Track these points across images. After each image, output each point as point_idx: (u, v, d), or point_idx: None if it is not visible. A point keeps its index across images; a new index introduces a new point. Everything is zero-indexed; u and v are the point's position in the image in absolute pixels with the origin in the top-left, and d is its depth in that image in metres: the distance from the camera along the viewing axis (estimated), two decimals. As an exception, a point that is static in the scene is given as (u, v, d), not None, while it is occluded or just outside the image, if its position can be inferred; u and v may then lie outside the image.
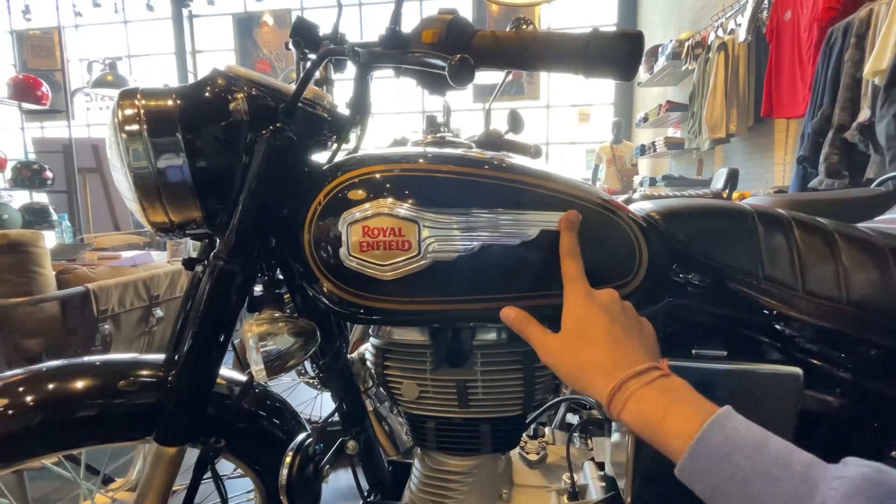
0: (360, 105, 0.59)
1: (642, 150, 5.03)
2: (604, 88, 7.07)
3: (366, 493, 0.78)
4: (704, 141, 3.53)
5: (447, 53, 0.45)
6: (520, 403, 0.64)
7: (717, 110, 3.30)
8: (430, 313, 0.54)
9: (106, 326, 1.53)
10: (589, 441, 0.83)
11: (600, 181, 5.77)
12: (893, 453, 0.52)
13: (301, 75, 0.55)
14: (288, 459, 0.63)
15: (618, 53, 0.42)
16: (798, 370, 0.50)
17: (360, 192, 0.50)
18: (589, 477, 0.72)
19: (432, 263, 0.48)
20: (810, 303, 0.52)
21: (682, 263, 0.57)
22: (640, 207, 0.63)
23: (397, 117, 7.08)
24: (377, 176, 0.51)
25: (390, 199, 0.49)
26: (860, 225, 0.63)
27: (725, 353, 0.54)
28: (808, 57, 2.39)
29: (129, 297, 1.63)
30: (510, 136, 1.85)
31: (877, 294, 0.49)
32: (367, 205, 0.49)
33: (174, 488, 0.76)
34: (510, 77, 1.13)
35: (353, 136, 0.65)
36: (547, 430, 0.87)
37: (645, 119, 5.10)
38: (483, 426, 0.64)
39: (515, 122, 2.00)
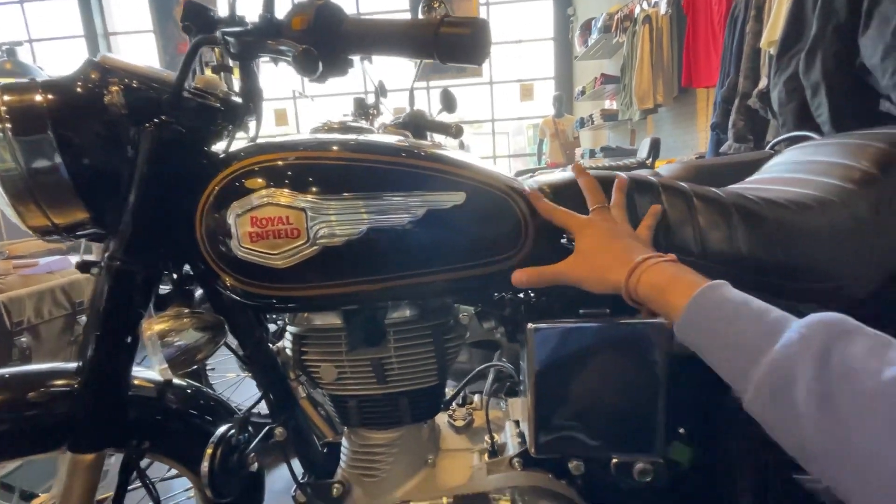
0: (250, 92, 0.59)
1: (582, 123, 5.18)
2: (544, 63, 7.16)
3: (301, 477, 0.80)
4: (635, 112, 3.69)
5: (316, 39, 0.45)
6: (434, 374, 0.68)
7: (645, 82, 3.46)
8: (331, 297, 0.56)
9: (23, 339, 1.44)
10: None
11: (545, 155, 5.91)
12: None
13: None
14: (209, 451, 0.63)
15: (465, 40, 0.45)
16: (664, 320, 0.57)
17: (246, 182, 0.51)
18: (508, 435, 0.77)
19: (322, 249, 0.50)
20: (679, 259, 0.58)
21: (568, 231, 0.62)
22: (534, 181, 0.67)
23: (337, 99, 6.87)
24: (264, 166, 0.52)
25: (276, 189, 0.50)
26: (737, 187, 0.71)
27: (608, 310, 0.60)
28: (719, 28, 2.54)
29: (47, 307, 1.53)
30: (443, 116, 1.86)
31: (725, 248, 0.56)
32: (253, 195, 0.50)
33: (103, 496, 0.75)
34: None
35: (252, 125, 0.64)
36: (476, 397, 0.92)
37: (583, 92, 5.24)
38: (402, 399, 0.68)
39: (449, 102, 2.00)
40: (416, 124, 1.45)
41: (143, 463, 0.86)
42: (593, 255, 0.53)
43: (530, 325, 0.59)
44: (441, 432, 0.81)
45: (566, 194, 0.63)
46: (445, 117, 1.87)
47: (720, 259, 0.56)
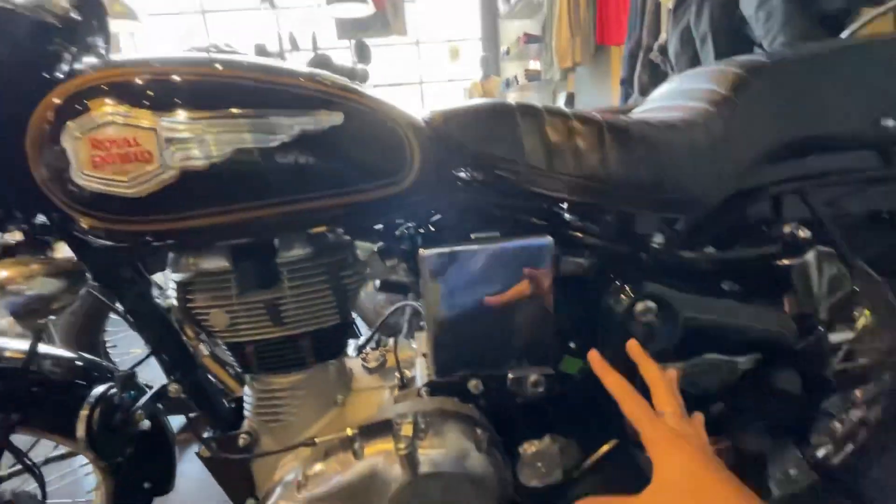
0: (87, 5, 0.51)
1: (508, 84, 5.20)
2: (471, 23, 7.04)
3: (207, 435, 0.77)
4: (556, 71, 3.76)
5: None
6: (335, 313, 0.67)
7: (564, 40, 3.51)
8: (209, 230, 0.52)
9: None
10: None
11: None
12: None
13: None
14: (84, 413, 0.59)
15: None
16: (549, 239, 0.60)
17: (87, 101, 0.45)
18: (418, 370, 0.79)
19: (183, 174, 0.46)
20: (559, 181, 0.60)
21: (460, 159, 0.62)
22: (426, 112, 0.66)
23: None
24: (106, 82, 0.46)
25: (120, 106, 0.44)
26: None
27: (498, 234, 0.62)
28: (628, -15, 2.62)
29: None
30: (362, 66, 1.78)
31: (600, 169, 0.59)
32: (93, 114, 0.44)
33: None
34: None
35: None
36: (392, 340, 0.93)
37: (508, 52, 5.24)
38: (302, 341, 0.66)
39: (362, 53, 1.91)
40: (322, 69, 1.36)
41: (26, 441, 0.79)
42: (693, 496, 0.35)
43: (421, 252, 0.59)
44: (353, 374, 0.81)
45: (456, 122, 0.62)
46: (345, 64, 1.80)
47: (596, 178, 0.59)
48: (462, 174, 0.62)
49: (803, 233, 0.59)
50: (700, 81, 0.69)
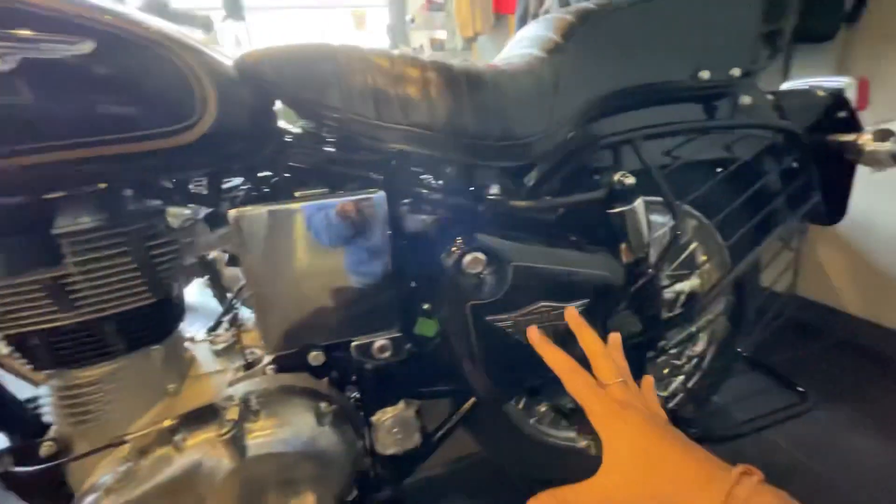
0: None
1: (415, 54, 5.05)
2: (376, -11, 6.71)
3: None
4: (459, 40, 3.71)
5: None
6: (145, 291, 0.57)
7: (465, 9, 3.46)
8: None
9: None
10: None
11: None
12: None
13: None
14: None
15: None
16: (380, 193, 0.56)
17: None
18: (266, 345, 0.72)
19: None
20: (393, 131, 0.55)
21: (273, 108, 0.55)
22: (238, 53, 0.57)
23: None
24: None
25: None
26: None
27: (326, 190, 0.56)
28: (520, -48, 2.62)
29: None
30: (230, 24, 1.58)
31: (433, 115, 0.55)
32: None
33: None
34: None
35: None
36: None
37: (413, 21, 5.07)
38: (105, 326, 0.56)
39: (234, 5, 1.71)
40: (153, 11, 1.18)
41: None
42: (642, 483, 0.34)
43: (230, 213, 0.52)
44: (196, 359, 0.72)
45: (271, 64, 0.54)
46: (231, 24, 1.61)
47: (424, 127, 0.55)
48: (282, 124, 0.55)
49: (629, 180, 0.60)
50: (543, 28, 0.67)
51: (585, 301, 0.57)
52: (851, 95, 0.83)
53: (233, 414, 0.54)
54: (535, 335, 0.45)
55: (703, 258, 0.88)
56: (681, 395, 0.94)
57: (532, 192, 0.63)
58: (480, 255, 0.52)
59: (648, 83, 0.64)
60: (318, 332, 0.59)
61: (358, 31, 6.77)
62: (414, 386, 0.69)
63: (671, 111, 0.71)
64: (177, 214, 0.60)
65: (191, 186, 0.62)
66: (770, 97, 0.80)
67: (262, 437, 0.55)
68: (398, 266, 0.61)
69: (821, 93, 0.85)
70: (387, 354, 0.61)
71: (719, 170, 0.77)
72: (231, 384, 0.62)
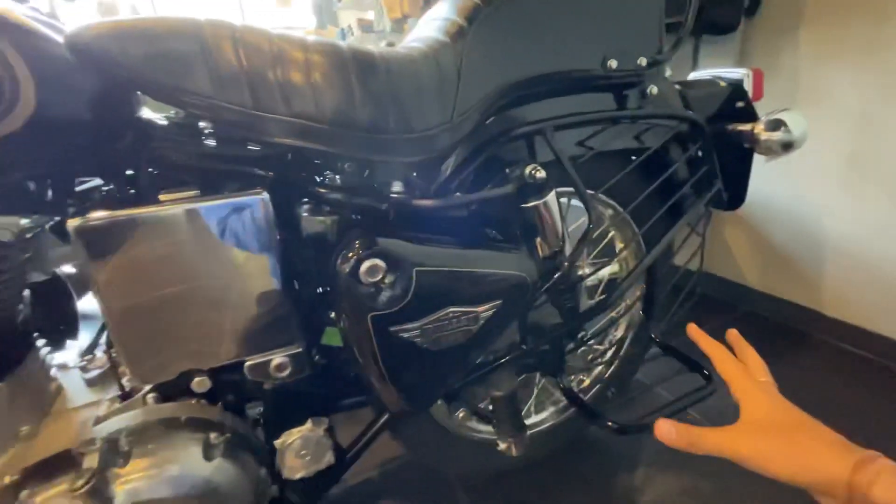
0: None
1: (343, 35, 4.83)
2: (300, -37, 6.30)
3: None
4: (387, 22, 3.58)
5: None
6: (-29, 318, 0.47)
7: (392, -12, 3.33)
8: None
9: None
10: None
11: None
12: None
13: None
14: None
15: None
16: (262, 195, 0.49)
17: None
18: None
19: None
20: (273, 122, 0.48)
21: (125, 93, 0.46)
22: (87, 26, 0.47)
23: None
24: None
25: None
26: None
27: (198, 191, 0.48)
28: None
29: None
30: None
31: (342, 106, 0.48)
32: None
33: None
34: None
35: None
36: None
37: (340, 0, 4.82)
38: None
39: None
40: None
41: None
42: (784, 431, 0.37)
43: (69, 223, 0.43)
44: (64, 389, 0.62)
45: (116, 42, 0.45)
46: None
47: (338, 122, 0.48)
48: (146, 113, 0.46)
49: (540, 174, 0.58)
50: (447, 10, 0.62)
51: (497, 303, 0.54)
52: (748, 86, 0.87)
53: (91, 461, 0.45)
54: (693, 329, 0.48)
55: (621, 245, 0.90)
56: (602, 381, 0.96)
57: (440, 188, 0.59)
58: (379, 262, 0.47)
59: (558, 71, 0.62)
60: (198, 358, 0.51)
61: (281, 7, 6.35)
62: (326, 400, 0.63)
63: (584, 100, 0.70)
64: (7, 225, 0.49)
65: (32, 189, 0.51)
66: (677, 87, 0.82)
67: (135, 482, 0.47)
68: (298, 273, 0.55)
69: (722, 83, 0.88)
70: (286, 373, 0.55)
71: (633, 157, 0.78)
72: (98, 421, 0.53)
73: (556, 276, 0.64)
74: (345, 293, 0.48)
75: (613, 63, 0.65)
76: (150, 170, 0.48)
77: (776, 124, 0.78)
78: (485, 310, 0.54)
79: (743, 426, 0.38)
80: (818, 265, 1.45)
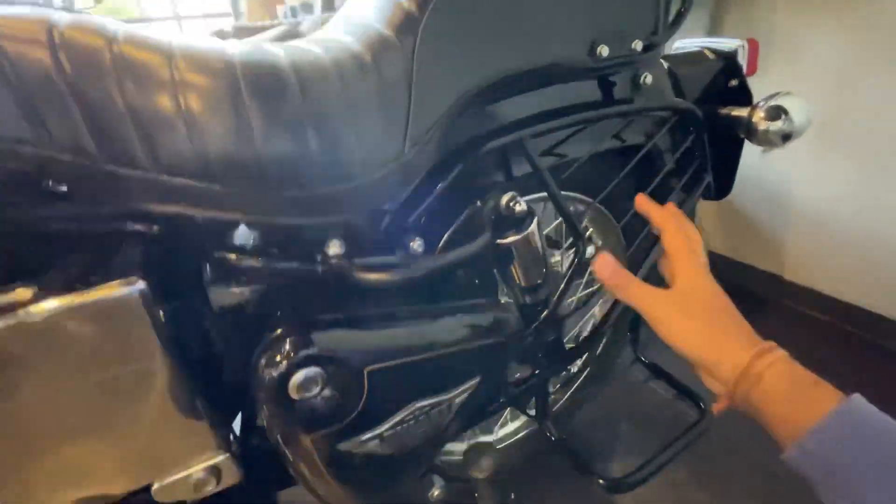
0: None
1: (293, 13, 4.26)
2: None
3: None
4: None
5: None
6: None
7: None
8: None
9: None
10: None
11: (243, 14, 4.77)
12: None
13: None
14: None
15: None
16: (137, 283, 0.34)
17: None
18: None
19: None
20: (131, 181, 0.32)
21: None
22: None
23: None
24: None
25: None
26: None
27: (36, 288, 0.33)
28: None
29: None
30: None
31: (237, 152, 0.33)
32: None
33: None
34: None
35: None
36: None
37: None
38: None
39: None
40: None
41: None
42: (704, 311, 0.38)
43: None
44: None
45: None
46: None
47: (229, 176, 0.32)
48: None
49: (520, 207, 0.46)
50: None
51: (473, 382, 0.43)
52: (742, 60, 0.76)
53: None
54: (641, 200, 0.45)
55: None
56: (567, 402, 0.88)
57: (392, 232, 0.45)
58: (313, 373, 0.34)
59: (538, 66, 0.47)
60: (90, 487, 0.38)
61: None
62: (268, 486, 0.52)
63: (565, 92, 0.56)
64: None
65: None
66: (665, 65, 0.69)
67: None
68: (206, 361, 0.41)
69: (712, 56, 0.77)
70: (210, 488, 0.43)
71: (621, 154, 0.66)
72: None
73: (542, 316, 0.54)
74: (272, 409, 0.36)
75: (605, 50, 0.51)
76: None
77: (776, 112, 0.68)
78: (459, 394, 0.43)
79: (670, 294, 0.39)
80: (781, 231, 1.44)
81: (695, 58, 0.77)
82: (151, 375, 0.35)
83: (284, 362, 0.34)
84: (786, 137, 0.68)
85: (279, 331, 0.36)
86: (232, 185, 0.32)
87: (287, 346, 0.35)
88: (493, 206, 0.46)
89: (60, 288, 0.32)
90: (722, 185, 0.82)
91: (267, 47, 0.37)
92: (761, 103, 0.69)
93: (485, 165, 0.54)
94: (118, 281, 0.33)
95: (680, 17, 0.58)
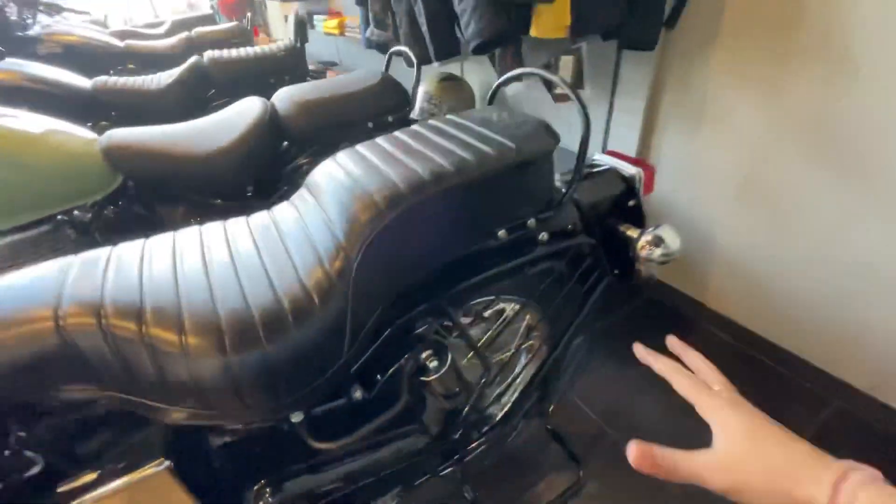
0: None
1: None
2: None
3: None
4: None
5: None
6: None
7: None
8: None
9: None
10: None
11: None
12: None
13: None
14: None
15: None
16: (164, 463, 0.52)
17: None
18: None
19: None
20: (164, 412, 0.49)
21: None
22: None
23: None
24: None
25: None
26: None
27: (95, 473, 0.50)
28: None
29: None
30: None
31: (221, 384, 0.50)
32: None
33: None
34: None
35: None
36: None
37: None
38: None
39: None
40: None
41: None
42: (759, 455, 0.35)
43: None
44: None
45: None
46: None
47: (216, 401, 0.51)
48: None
49: (432, 363, 0.63)
50: (336, 218, 0.58)
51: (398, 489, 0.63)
52: (640, 185, 0.92)
53: None
54: (640, 351, 0.46)
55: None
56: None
57: (339, 386, 0.62)
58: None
59: (452, 260, 0.64)
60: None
61: None
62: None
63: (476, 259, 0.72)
64: None
65: None
66: (575, 194, 0.85)
67: None
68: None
69: (617, 178, 0.93)
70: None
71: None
72: None
73: (458, 432, 0.73)
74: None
75: (504, 234, 0.67)
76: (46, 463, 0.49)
77: (657, 241, 0.85)
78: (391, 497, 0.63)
79: (716, 454, 0.36)
80: (706, 265, 1.64)
81: (603, 178, 0.93)
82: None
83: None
84: (663, 263, 0.85)
85: (262, 482, 0.55)
86: (222, 407, 0.50)
87: (268, 495, 0.54)
88: (413, 363, 0.64)
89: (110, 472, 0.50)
90: (624, 277, 1.00)
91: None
92: (644, 234, 0.86)
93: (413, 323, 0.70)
94: (151, 462, 0.51)
95: (573, 186, 0.73)
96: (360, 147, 0.68)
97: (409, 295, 0.64)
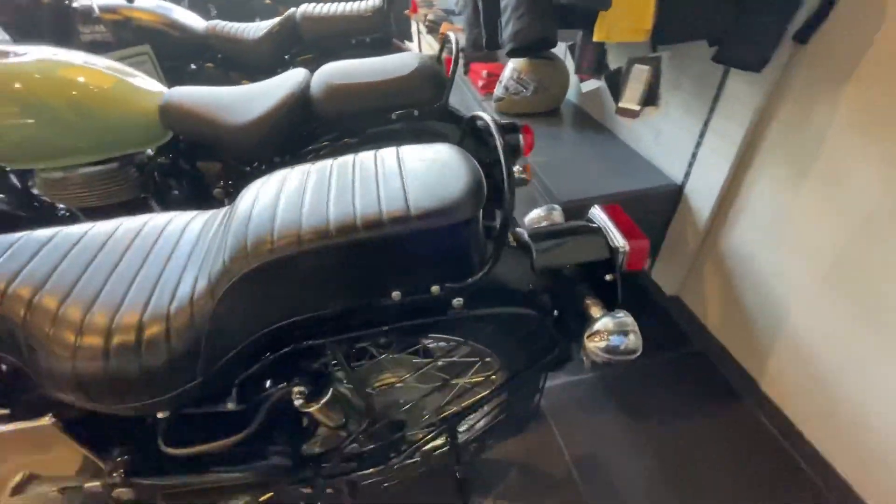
0: None
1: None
2: None
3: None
4: None
5: None
6: None
7: None
8: None
9: None
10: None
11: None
12: None
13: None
14: None
15: None
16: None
17: None
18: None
19: None
20: None
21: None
22: None
23: None
24: None
25: None
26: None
27: None
28: None
29: None
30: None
31: (104, 381, 0.58)
32: None
33: None
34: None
35: None
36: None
37: None
38: None
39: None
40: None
41: None
42: None
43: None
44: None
45: None
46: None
47: (95, 394, 0.60)
48: None
49: (299, 401, 0.65)
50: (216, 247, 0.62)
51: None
52: (624, 262, 0.77)
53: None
54: None
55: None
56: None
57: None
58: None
59: (335, 311, 0.63)
60: None
61: None
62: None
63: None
64: None
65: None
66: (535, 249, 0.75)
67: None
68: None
69: (603, 244, 0.79)
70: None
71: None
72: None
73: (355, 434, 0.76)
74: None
75: (398, 295, 0.63)
76: None
77: (617, 330, 0.72)
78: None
79: None
80: (771, 340, 1.35)
81: (587, 241, 0.79)
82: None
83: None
84: (606, 360, 0.72)
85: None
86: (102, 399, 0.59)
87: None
88: (286, 392, 0.67)
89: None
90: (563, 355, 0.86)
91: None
92: (608, 318, 0.72)
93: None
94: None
95: (497, 254, 0.64)
96: (291, 172, 0.67)
97: (295, 329, 0.65)
